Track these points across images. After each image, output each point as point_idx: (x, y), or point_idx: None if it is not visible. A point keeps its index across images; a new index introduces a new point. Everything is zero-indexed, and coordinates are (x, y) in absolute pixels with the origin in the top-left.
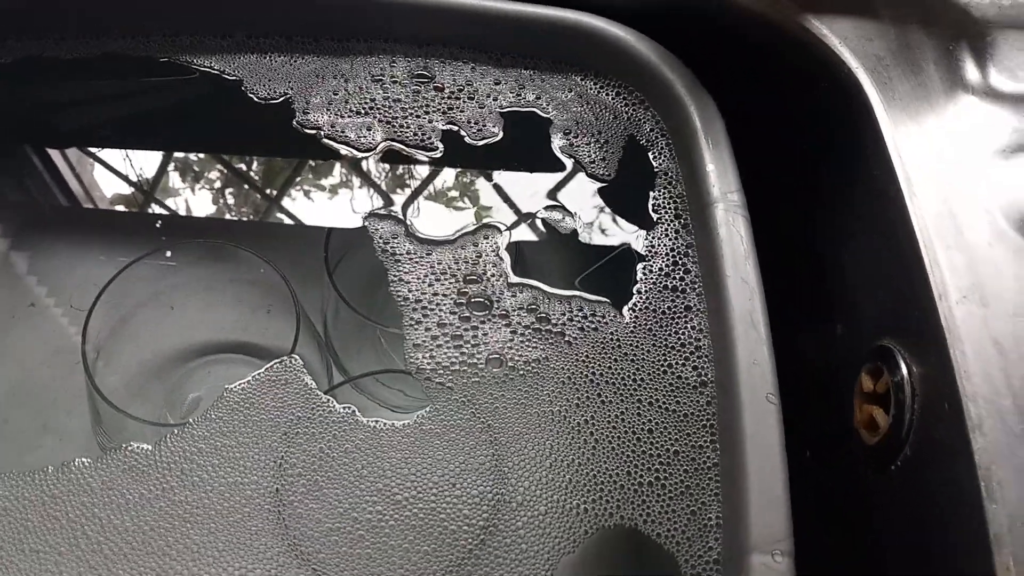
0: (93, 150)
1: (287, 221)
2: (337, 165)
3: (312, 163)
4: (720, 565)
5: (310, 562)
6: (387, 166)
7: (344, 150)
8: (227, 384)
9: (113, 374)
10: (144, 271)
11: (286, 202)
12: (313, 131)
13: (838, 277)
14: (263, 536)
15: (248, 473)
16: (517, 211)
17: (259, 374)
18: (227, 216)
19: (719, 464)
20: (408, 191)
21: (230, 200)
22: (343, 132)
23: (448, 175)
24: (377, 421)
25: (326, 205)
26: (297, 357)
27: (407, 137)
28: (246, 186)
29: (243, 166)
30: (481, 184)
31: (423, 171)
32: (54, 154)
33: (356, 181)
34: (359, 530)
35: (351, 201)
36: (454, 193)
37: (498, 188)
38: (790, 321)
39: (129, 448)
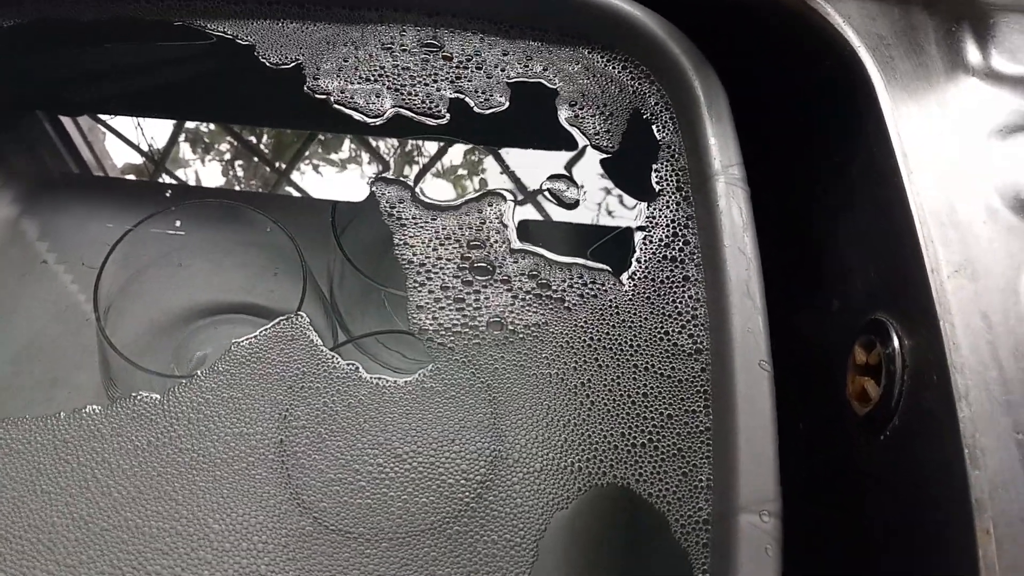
0: (105, 117)
1: (296, 186)
2: (346, 131)
3: (321, 132)
4: (710, 525)
5: (311, 510)
6: (394, 133)
7: (353, 116)
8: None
9: (122, 331)
10: (153, 232)
11: (294, 168)
12: (323, 97)
13: (835, 252)
14: (267, 484)
15: (253, 424)
16: (521, 180)
17: (266, 330)
18: (237, 184)
19: (711, 428)
20: (414, 158)
21: (240, 168)
22: (352, 98)
23: (454, 143)
24: (380, 378)
25: (334, 170)
26: (303, 314)
27: (415, 105)
28: (255, 156)
29: (254, 135)
30: (487, 153)
31: (430, 139)
32: (66, 120)
33: (364, 147)
34: (360, 481)
35: (359, 167)
36: (459, 161)
37: (503, 157)
38: (788, 296)
39: (138, 397)
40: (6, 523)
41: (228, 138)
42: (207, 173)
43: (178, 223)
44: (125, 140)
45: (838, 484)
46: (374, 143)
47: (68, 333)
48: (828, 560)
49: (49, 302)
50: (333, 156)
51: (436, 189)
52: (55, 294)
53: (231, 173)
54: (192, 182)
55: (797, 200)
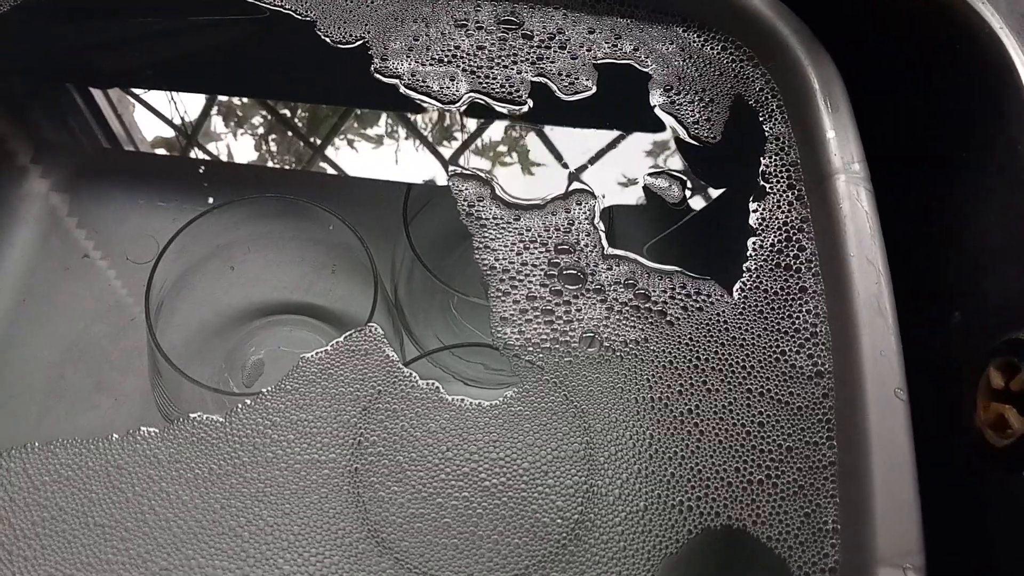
0: (141, 92)
1: (353, 172)
2: (417, 118)
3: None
4: (837, 574)
5: (392, 550)
6: (471, 120)
7: (425, 102)
8: (290, 347)
9: (171, 333)
10: (203, 225)
11: (352, 151)
12: (392, 80)
13: (960, 260)
14: (341, 519)
15: (325, 450)
16: (612, 174)
17: (337, 343)
18: (291, 169)
19: (836, 463)
20: (494, 149)
21: (295, 153)
22: (424, 82)
23: (537, 132)
24: (463, 399)
25: (402, 160)
26: (376, 326)
27: (493, 89)
28: (303, 141)
29: (304, 110)
30: (573, 143)
31: (510, 127)
32: (104, 98)
33: (438, 136)
34: (444, 517)
35: (429, 158)
36: (544, 153)
37: (591, 148)
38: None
39: (197, 419)
40: (57, 559)
41: (280, 122)
42: (261, 157)
43: (229, 219)
44: (167, 120)
45: (967, 525)
46: (448, 132)
47: (113, 334)
48: None
49: (92, 299)
50: (398, 145)
51: (518, 185)
52: (98, 291)
53: (286, 155)
54: (244, 169)
55: (915, 200)
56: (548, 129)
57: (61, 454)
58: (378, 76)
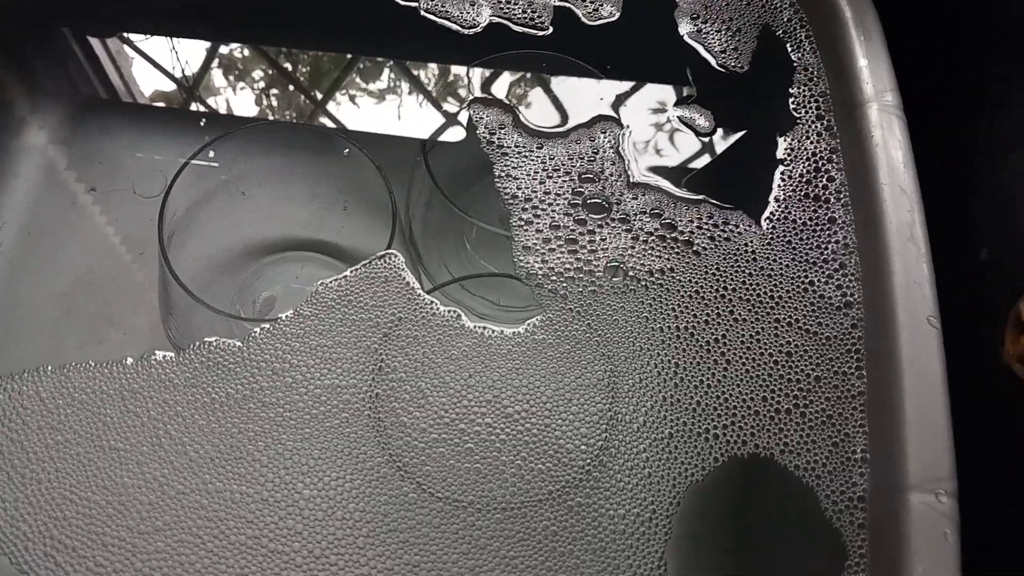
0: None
1: (371, 107)
2: (436, 43)
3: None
4: (866, 503)
5: (414, 475)
6: (492, 46)
7: (445, 26)
8: (300, 284)
9: (180, 268)
10: (213, 159)
11: (371, 85)
12: (412, 4)
13: (991, 193)
14: (362, 444)
15: (346, 375)
16: (638, 102)
17: (356, 270)
18: (303, 106)
19: (866, 393)
20: (516, 76)
21: (306, 87)
22: (444, 7)
23: (561, 58)
24: (485, 327)
25: (419, 87)
26: (395, 253)
27: (515, 14)
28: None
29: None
30: (597, 70)
31: (533, 53)
32: (112, 42)
33: (456, 63)
34: (467, 443)
35: (449, 86)
36: (567, 79)
37: (616, 76)
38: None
39: (214, 344)
40: (72, 483)
41: (299, 55)
42: (271, 95)
43: (239, 150)
44: (160, 68)
45: (994, 457)
46: (468, 59)
47: (122, 267)
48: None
49: (100, 233)
50: (415, 77)
51: (541, 113)
52: (106, 225)
53: (298, 94)
54: (255, 105)
55: (947, 134)
56: (571, 56)
57: (75, 377)
58: (398, 1)
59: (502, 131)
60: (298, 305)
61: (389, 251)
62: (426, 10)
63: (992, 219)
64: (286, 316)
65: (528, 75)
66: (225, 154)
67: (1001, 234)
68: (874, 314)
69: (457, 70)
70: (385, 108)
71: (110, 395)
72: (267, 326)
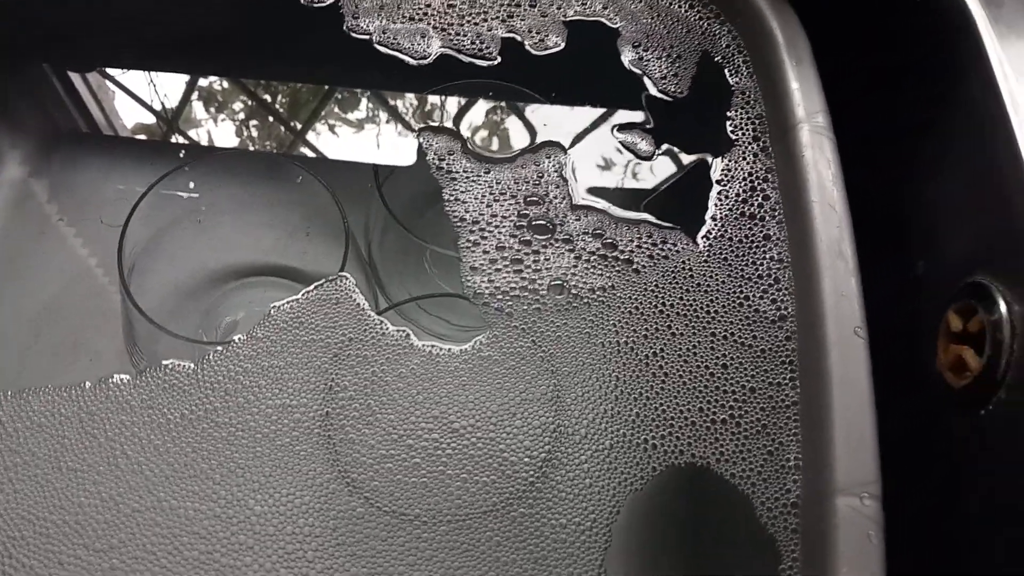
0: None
1: (329, 142)
2: (387, 74)
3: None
4: (799, 508)
5: (362, 490)
6: (442, 77)
7: (396, 58)
8: (264, 309)
9: (146, 294)
10: (176, 188)
11: (330, 123)
12: (364, 37)
13: (921, 208)
14: (312, 461)
15: (296, 395)
16: (582, 129)
17: (308, 292)
18: (263, 138)
19: (799, 403)
20: (464, 104)
21: (266, 118)
22: (395, 39)
23: (507, 87)
24: (433, 346)
25: (374, 123)
26: (348, 275)
27: (464, 46)
28: (282, 106)
29: (285, 82)
30: (543, 98)
31: (480, 83)
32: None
33: (408, 92)
34: (414, 458)
35: (402, 114)
36: (514, 108)
37: (561, 103)
38: (864, 256)
39: (169, 366)
40: (30, 503)
41: (255, 86)
42: (228, 127)
43: (202, 179)
44: (135, 98)
45: (927, 462)
46: (420, 87)
47: (89, 295)
48: (917, 549)
49: (67, 262)
50: (368, 111)
51: (488, 139)
52: (73, 254)
53: (256, 125)
54: (215, 136)
55: (878, 154)
56: (518, 85)
57: (34, 402)
58: (349, 34)
59: (451, 157)
60: (251, 327)
61: (341, 274)
62: (378, 42)
63: (926, 233)
64: (239, 338)
65: (476, 103)
66: (189, 183)
67: (935, 247)
68: (806, 327)
69: (408, 99)
70: (345, 135)
71: (68, 417)
72: (220, 348)
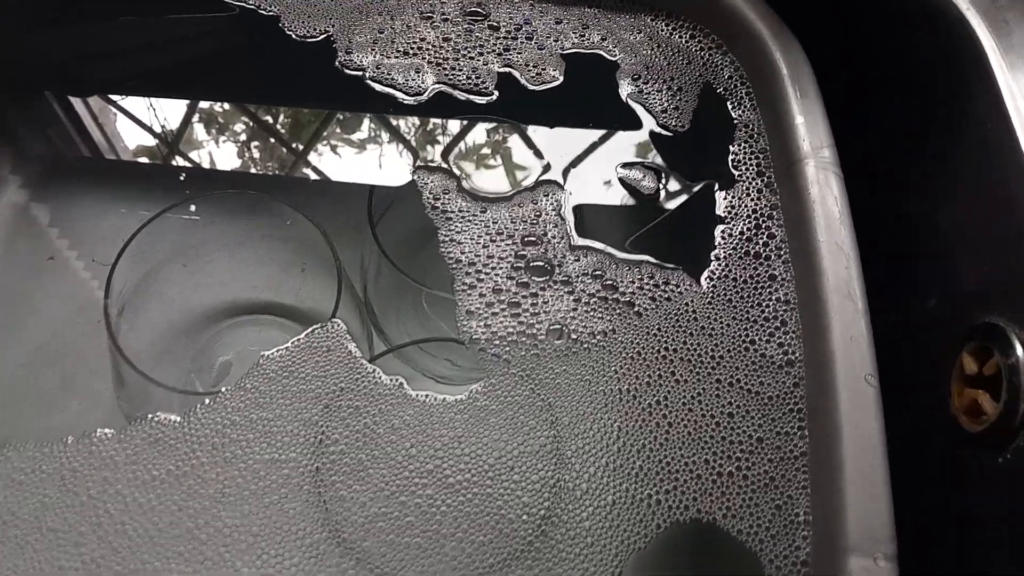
0: (116, 98)
1: (324, 172)
2: (382, 111)
3: (347, 114)
4: (809, 567)
5: (353, 550)
6: (437, 115)
7: (391, 94)
8: (258, 347)
9: (137, 334)
10: (170, 225)
11: (324, 151)
12: (357, 73)
13: (933, 244)
14: (302, 520)
15: (286, 449)
16: (580, 165)
17: (299, 340)
18: (258, 168)
19: (808, 453)
20: (461, 141)
21: (262, 150)
22: (389, 74)
23: (504, 124)
24: (427, 395)
25: (369, 155)
26: (340, 322)
27: (459, 81)
28: (279, 135)
29: (278, 113)
30: (541, 134)
31: (477, 119)
32: (76, 102)
33: (403, 129)
34: (407, 516)
35: (396, 151)
36: (511, 144)
37: (559, 139)
38: (873, 292)
39: (155, 419)
40: (9, 566)
41: (248, 119)
42: (224, 157)
43: (196, 215)
44: (137, 121)
45: (942, 512)
46: (414, 125)
47: (82, 335)
48: None
49: (61, 301)
50: (366, 139)
51: (485, 178)
52: (67, 292)
53: (249, 157)
54: (209, 167)
55: (888, 186)
56: (515, 121)
57: (14, 458)
58: (342, 69)
59: (446, 196)
60: (240, 378)
61: (333, 320)
62: (371, 78)
63: (937, 267)
64: (226, 389)
65: (473, 140)
66: (180, 222)
67: (944, 283)
68: (814, 373)
69: (402, 137)
70: (339, 167)
71: (50, 475)
72: (207, 400)
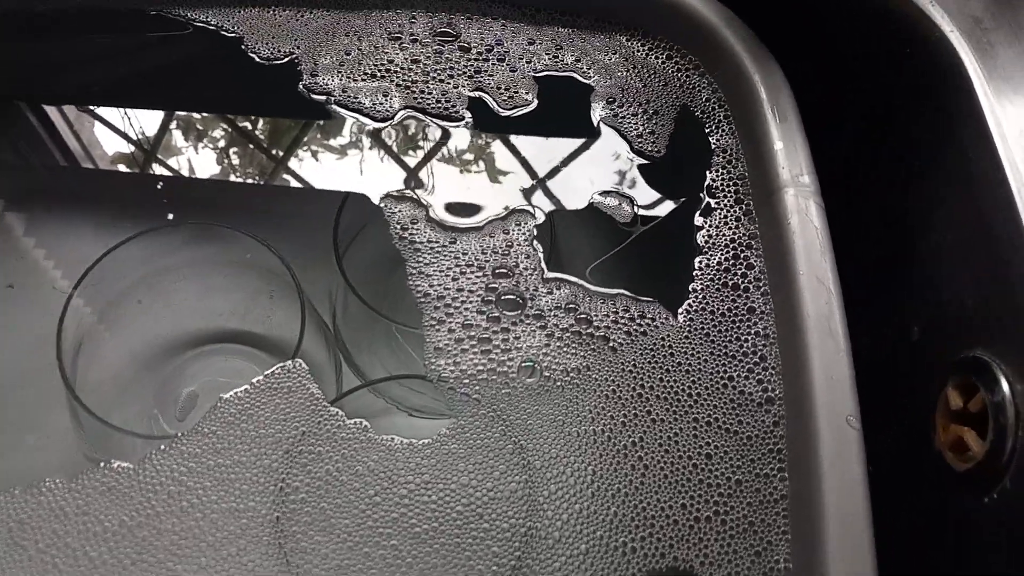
0: (81, 113)
1: (290, 199)
2: (348, 136)
3: (320, 134)
4: None
5: None
6: (405, 138)
7: (357, 119)
8: (225, 379)
9: (98, 366)
10: (132, 252)
11: (288, 177)
12: (322, 97)
13: (916, 273)
14: (261, 572)
15: (245, 498)
16: (553, 192)
17: (258, 381)
18: (224, 193)
19: (788, 496)
20: (429, 168)
21: (226, 175)
22: (356, 98)
23: (475, 149)
24: (392, 439)
25: (335, 181)
26: (301, 362)
27: (428, 105)
28: (244, 157)
29: (242, 135)
30: (512, 160)
31: (446, 144)
32: (50, 111)
33: (369, 155)
34: (372, 568)
35: (363, 178)
36: (481, 171)
37: (531, 165)
38: (854, 321)
39: (109, 467)
40: None
41: (213, 138)
42: (190, 179)
43: (159, 243)
44: (112, 127)
45: (926, 552)
46: (380, 151)
47: (41, 368)
48: None
49: (18, 333)
50: (331, 165)
51: (454, 206)
52: (25, 322)
53: (216, 176)
54: (175, 187)
55: (868, 213)
56: (486, 146)
57: None
58: (307, 93)
59: (414, 226)
60: (197, 421)
61: (295, 360)
62: (337, 102)
63: (921, 297)
64: (183, 434)
65: (442, 167)
66: (142, 251)
67: (928, 314)
68: (795, 411)
69: (367, 163)
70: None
71: None
72: (162, 446)
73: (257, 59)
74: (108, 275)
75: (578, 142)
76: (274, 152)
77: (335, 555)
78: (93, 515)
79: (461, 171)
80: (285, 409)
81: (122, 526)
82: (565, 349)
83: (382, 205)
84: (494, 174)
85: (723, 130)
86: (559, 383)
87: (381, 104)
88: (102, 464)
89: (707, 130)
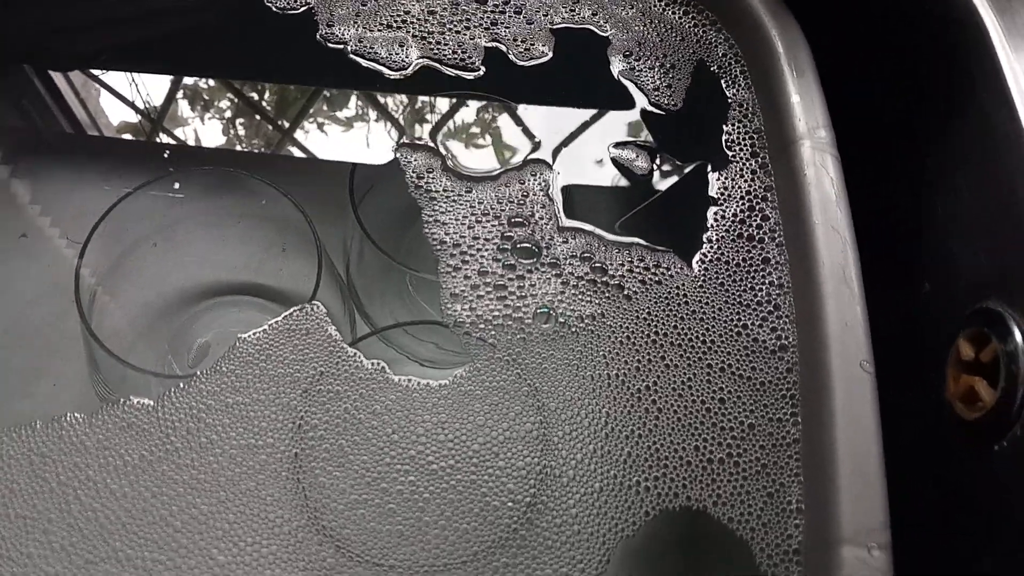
0: (97, 72)
1: (306, 149)
2: (364, 87)
3: (334, 88)
4: (801, 556)
5: (332, 537)
6: (421, 89)
7: (374, 69)
8: (237, 330)
9: (113, 315)
10: (147, 202)
11: (305, 128)
12: (339, 47)
13: (929, 228)
14: (279, 507)
15: (263, 435)
16: (569, 144)
17: (276, 322)
18: (239, 146)
19: (801, 440)
20: (446, 118)
21: (242, 128)
22: (372, 48)
23: (490, 100)
24: (410, 379)
25: (350, 132)
26: (319, 304)
27: (445, 55)
28: (260, 113)
29: (259, 88)
30: (529, 111)
31: (463, 95)
32: (56, 77)
33: (386, 105)
34: (388, 503)
35: (379, 129)
36: (498, 121)
37: (547, 116)
38: (868, 276)
39: (128, 404)
40: None
41: (229, 95)
42: (206, 133)
43: (174, 191)
44: (118, 96)
45: (935, 500)
46: (397, 100)
47: (53, 317)
48: None
49: (31, 281)
50: (348, 115)
51: (470, 156)
52: (38, 272)
53: (232, 133)
54: (191, 143)
55: (885, 170)
56: (502, 97)
57: None
58: (324, 43)
59: (430, 175)
60: (215, 361)
61: (313, 302)
62: (354, 52)
63: (935, 253)
64: (202, 373)
65: (458, 116)
66: (156, 200)
67: (941, 268)
68: (808, 358)
69: (385, 112)
70: (321, 142)
71: (17, 460)
72: (182, 384)
73: (273, 8)
74: (121, 225)
75: (595, 95)
76: (285, 116)
77: (353, 490)
78: (113, 449)
79: (478, 122)
80: (303, 349)
81: (142, 460)
82: (580, 297)
83: (397, 155)
84: (510, 125)
85: (739, 84)
86: (574, 329)
87: (397, 54)
88: (121, 400)
89: (723, 84)
